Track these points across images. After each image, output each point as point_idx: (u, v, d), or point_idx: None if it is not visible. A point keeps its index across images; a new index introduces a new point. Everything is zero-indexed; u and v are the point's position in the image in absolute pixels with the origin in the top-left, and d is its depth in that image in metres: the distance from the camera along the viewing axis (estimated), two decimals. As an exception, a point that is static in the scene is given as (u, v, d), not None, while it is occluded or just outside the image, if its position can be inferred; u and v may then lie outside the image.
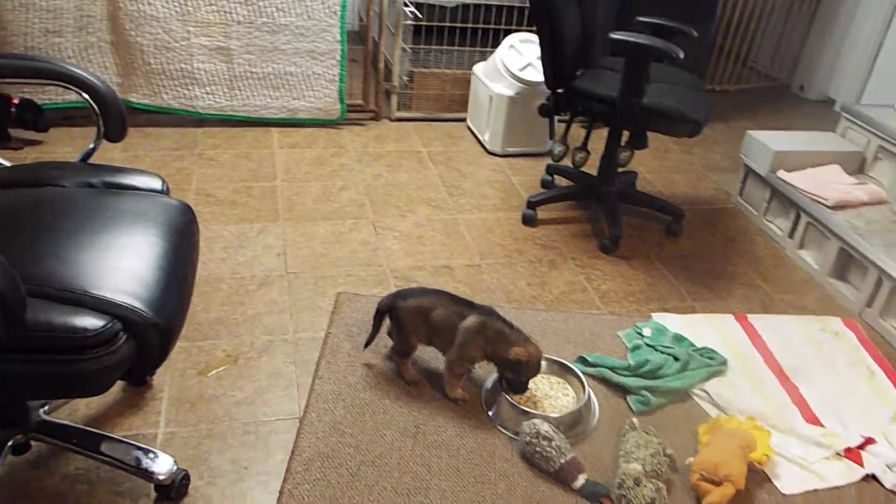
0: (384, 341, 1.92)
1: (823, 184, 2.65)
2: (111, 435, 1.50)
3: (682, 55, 2.15)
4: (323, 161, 2.98)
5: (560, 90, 2.47)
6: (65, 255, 1.23)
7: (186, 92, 3.05)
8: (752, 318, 2.24)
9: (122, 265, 1.24)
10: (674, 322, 2.17)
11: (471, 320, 1.72)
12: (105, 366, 1.13)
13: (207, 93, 3.08)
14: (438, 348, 1.80)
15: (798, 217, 2.63)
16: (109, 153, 2.85)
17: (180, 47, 2.96)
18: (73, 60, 2.90)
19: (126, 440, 1.50)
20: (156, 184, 1.54)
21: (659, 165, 3.26)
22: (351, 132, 3.27)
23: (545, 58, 2.38)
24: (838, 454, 1.75)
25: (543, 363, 1.85)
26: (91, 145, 1.57)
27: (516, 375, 1.71)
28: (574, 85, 2.43)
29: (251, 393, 1.79)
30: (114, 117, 1.54)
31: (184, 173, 2.77)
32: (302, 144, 3.10)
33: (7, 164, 1.57)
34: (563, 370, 1.89)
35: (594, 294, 2.30)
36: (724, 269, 2.51)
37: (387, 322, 1.85)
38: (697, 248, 2.63)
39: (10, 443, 1.44)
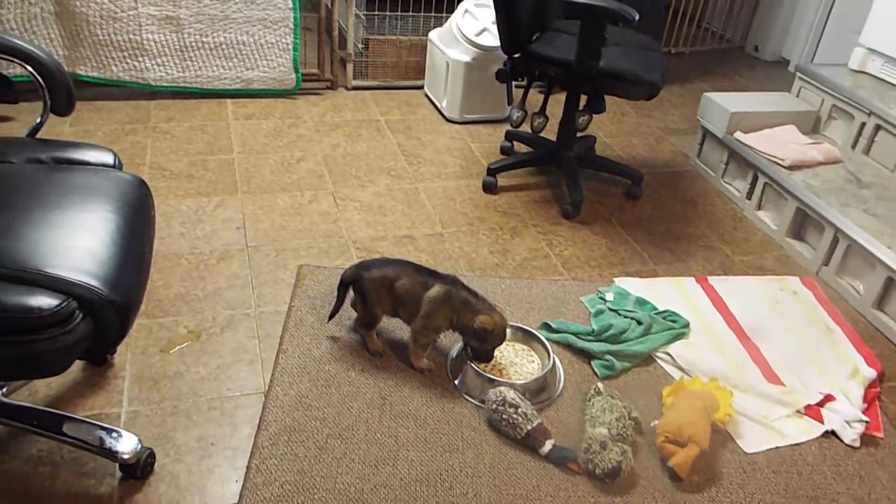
0: (349, 313, 1.92)
1: (779, 144, 2.69)
2: (73, 415, 1.48)
3: (636, 17, 2.15)
4: (280, 132, 2.93)
5: (516, 55, 2.45)
6: (17, 233, 1.19)
7: (136, 64, 2.96)
8: (712, 279, 2.29)
9: (77, 243, 1.21)
10: (636, 286, 2.20)
11: (435, 290, 1.72)
12: (62, 345, 1.10)
13: (158, 64, 2.99)
14: (403, 319, 1.80)
15: (755, 178, 2.68)
16: (58, 128, 2.76)
17: (128, 17, 2.87)
18: (16, 32, 2.79)
19: (89, 420, 1.48)
20: (107, 158, 1.50)
21: (617, 129, 3.28)
22: (307, 102, 3.22)
23: (500, 22, 2.35)
24: (798, 412, 1.80)
25: (508, 331, 1.86)
26: (38, 120, 1.51)
27: (482, 344, 1.72)
28: (530, 49, 2.41)
29: (215, 369, 1.77)
30: (60, 90, 1.48)
31: (138, 147, 2.70)
32: (258, 115, 3.04)
33: (-52, 141, 1.50)
34: (527, 337, 1.90)
35: (556, 260, 2.32)
36: (684, 232, 2.55)
37: (351, 294, 1.84)
38: (658, 212, 2.66)
39: (-34, 428, 1.41)
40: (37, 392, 1.65)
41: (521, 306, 2.07)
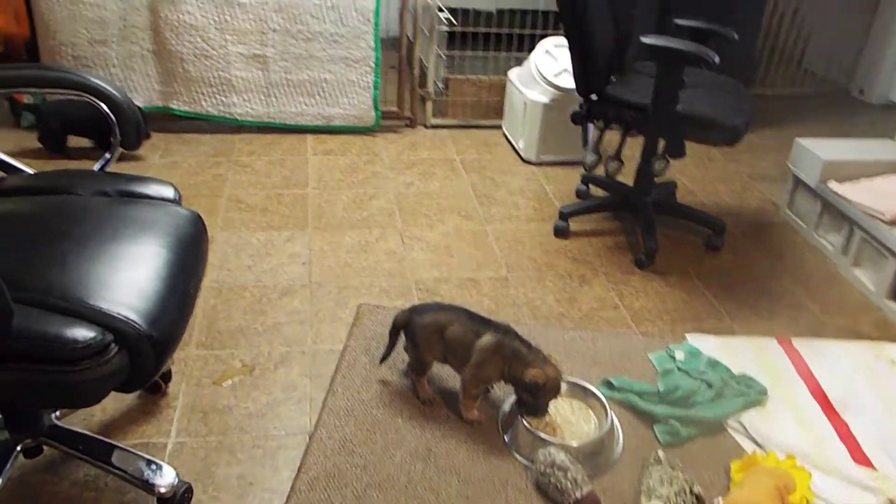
0: (402, 356, 1.88)
1: (880, 196, 2.50)
2: (118, 444, 1.49)
3: (716, 60, 2.05)
4: (356, 169, 2.96)
5: (592, 97, 2.39)
6: (69, 263, 1.22)
7: (224, 99, 3.08)
8: (797, 342, 2.12)
9: (124, 276, 1.22)
10: (710, 344, 2.07)
11: (487, 339, 1.66)
12: (96, 377, 1.11)
13: (245, 100, 3.09)
14: (454, 367, 1.75)
15: (851, 232, 2.49)
16: (150, 159, 2.89)
17: (218, 55, 2.99)
18: (117, 69, 2.96)
19: (132, 450, 1.49)
20: (168, 192, 1.53)
21: (701, 175, 3.14)
22: (385, 139, 3.25)
23: (575, 63, 2.30)
24: (890, 500, 1.62)
25: (565, 386, 1.78)
26: (107, 154, 1.56)
27: (534, 398, 1.64)
28: (606, 91, 2.35)
29: (264, 405, 1.76)
30: (130, 126, 1.53)
31: (219, 179, 2.78)
32: (336, 152, 3.09)
33: (30, 171, 1.58)
34: (586, 394, 1.81)
35: (626, 312, 2.22)
36: (768, 288, 2.39)
37: (403, 338, 1.80)
38: (740, 264, 2.51)
39: (19, 447, 1.45)
40: (93, 416, 1.69)
41: (583, 360, 1.98)
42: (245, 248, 2.37)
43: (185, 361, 1.88)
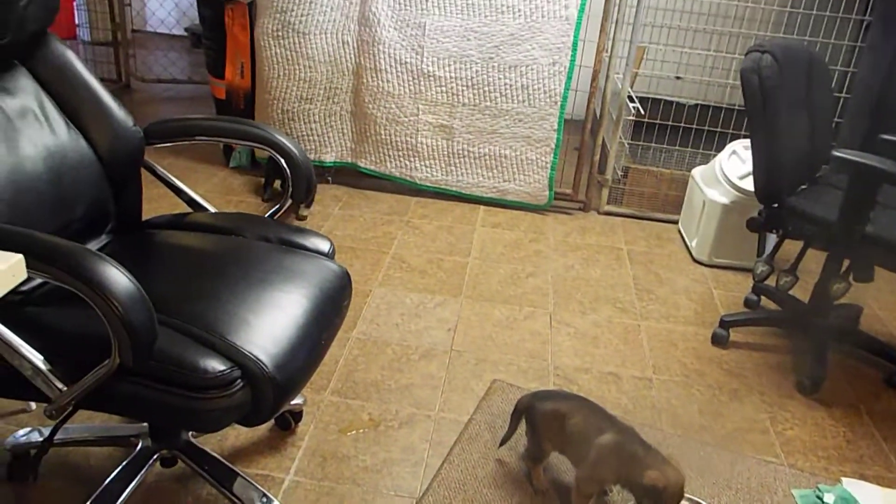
0: (523, 440, 1.85)
1: None
2: (239, 471, 1.59)
3: (917, 185, 1.87)
4: (519, 245, 3.00)
5: (772, 205, 2.26)
6: (219, 299, 1.35)
7: (408, 163, 3.27)
8: (979, 509, 1.83)
9: (264, 319, 1.33)
10: (868, 494, 1.83)
11: (607, 437, 1.59)
12: (219, 407, 1.21)
13: (426, 165, 3.26)
14: (571, 460, 1.69)
15: None
16: (329, 208, 3.12)
17: (409, 122, 3.19)
18: (317, 125, 3.25)
19: (250, 480, 1.58)
20: (324, 246, 1.65)
21: (895, 302, 2.84)
22: (555, 220, 3.26)
23: (756, 167, 2.20)
24: None
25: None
26: (278, 205, 1.72)
27: (655, 503, 1.55)
28: (787, 201, 2.21)
29: (381, 461, 1.81)
30: (301, 181, 1.68)
31: (388, 237, 2.94)
32: (504, 225, 3.15)
33: (212, 209, 1.77)
34: (711, 517, 1.67)
35: (776, 439, 2.03)
36: (954, 442, 2.09)
37: (524, 422, 1.78)
38: (924, 410, 2.22)
39: (156, 455, 1.59)
40: (226, 440, 1.82)
41: (717, 482, 1.83)
42: (397, 307, 2.47)
43: (319, 405, 1.98)
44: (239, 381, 1.22)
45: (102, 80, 1.64)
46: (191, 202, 1.76)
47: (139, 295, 1.09)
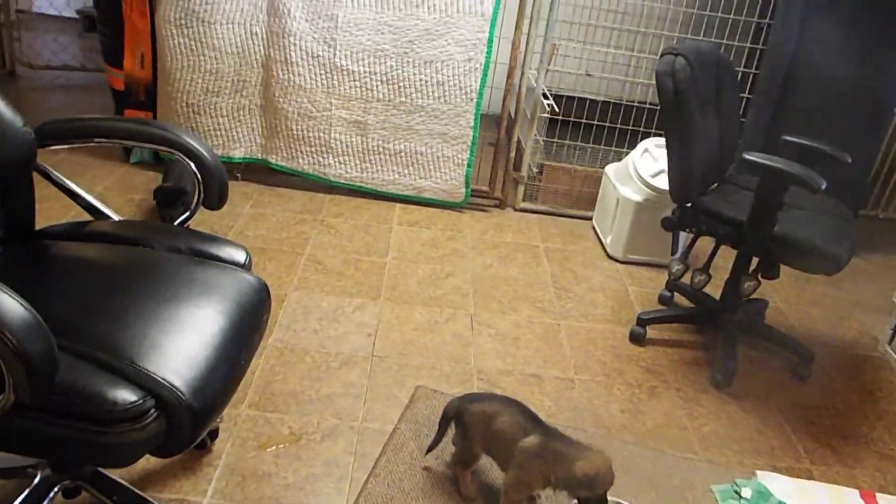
0: (449, 447, 1.81)
1: None
2: (150, 500, 1.49)
3: (822, 186, 1.95)
4: (437, 243, 2.96)
5: (686, 204, 2.31)
6: (126, 320, 1.24)
7: (321, 159, 3.16)
8: (882, 498, 1.92)
9: (177, 340, 1.23)
10: (782, 486, 1.91)
11: (530, 441, 1.58)
12: (130, 441, 1.11)
13: (340, 162, 3.17)
14: (497, 462, 1.67)
15: (956, 382, 2.28)
16: (239, 208, 2.99)
17: (321, 117, 3.09)
18: (225, 119, 3.10)
19: (163, 508, 1.48)
20: (239, 257, 1.55)
21: (797, 296, 2.97)
22: (472, 217, 3.24)
23: (671, 168, 2.24)
24: None
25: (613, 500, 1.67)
26: (188, 212, 1.61)
27: (593, 491, 1.54)
28: (700, 201, 2.26)
29: (303, 478, 1.73)
30: (214, 186, 1.57)
31: (302, 237, 2.84)
32: (421, 224, 3.10)
33: (116, 217, 1.64)
34: (637, 519, 1.69)
35: (694, 434, 2.08)
36: (856, 430, 2.20)
37: (452, 428, 1.74)
38: (827, 400, 2.32)
39: (56, 487, 1.46)
40: (135, 465, 1.70)
41: (639, 481, 1.86)
42: (315, 311, 2.38)
43: (235, 420, 1.88)
44: (153, 410, 1.12)
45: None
46: (90, 208, 1.63)
47: (34, 322, 0.98)
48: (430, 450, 1.80)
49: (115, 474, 1.62)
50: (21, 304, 0.97)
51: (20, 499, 1.41)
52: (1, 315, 0.95)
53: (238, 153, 3.17)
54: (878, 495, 1.93)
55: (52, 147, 1.58)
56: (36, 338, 0.97)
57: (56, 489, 1.45)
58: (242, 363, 1.34)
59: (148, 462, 1.71)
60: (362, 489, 1.71)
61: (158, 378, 1.14)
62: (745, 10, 3.31)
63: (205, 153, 1.56)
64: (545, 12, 3.07)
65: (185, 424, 1.15)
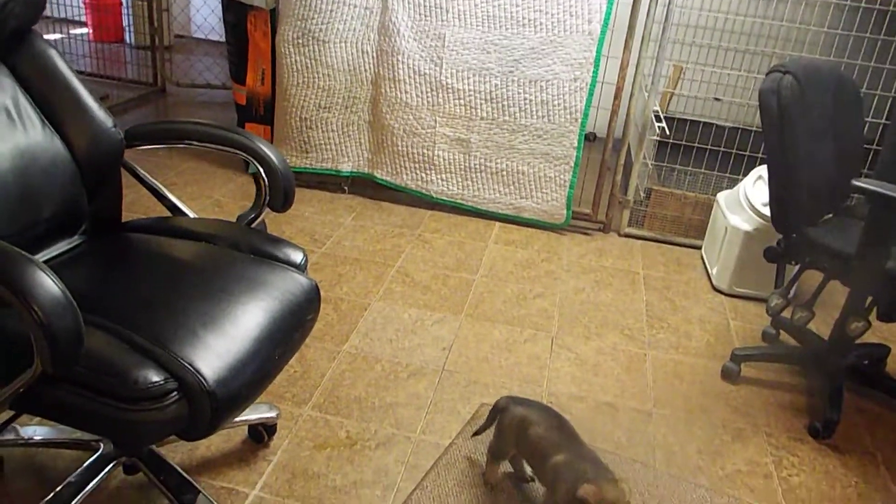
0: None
1: None
2: (196, 484, 1.55)
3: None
4: (531, 264, 2.91)
5: (790, 234, 2.13)
6: (172, 307, 1.31)
7: (424, 175, 3.21)
8: None
9: (213, 331, 1.28)
10: (873, 550, 1.69)
11: (559, 458, 1.51)
12: (151, 420, 1.16)
13: (442, 179, 3.21)
14: (531, 467, 1.65)
15: None
16: (342, 218, 3.09)
17: (426, 134, 3.14)
18: (335, 134, 3.23)
19: (206, 495, 1.53)
20: (296, 257, 1.60)
21: (930, 346, 2.65)
22: (572, 240, 3.16)
23: (772, 194, 2.08)
24: None
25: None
26: (253, 213, 1.68)
27: None
28: (804, 231, 2.08)
29: (351, 482, 1.74)
30: (279, 189, 1.63)
31: (396, 250, 2.88)
32: (518, 243, 3.07)
33: (192, 214, 1.74)
34: (691, 566, 1.56)
35: (779, 485, 1.89)
36: (979, 500, 1.92)
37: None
38: (949, 463, 2.05)
39: (114, 461, 1.56)
40: (196, 449, 1.78)
41: (706, 527, 1.71)
42: (394, 322, 2.40)
43: (297, 420, 1.92)
44: (174, 393, 1.17)
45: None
46: (171, 206, 1.74)
47: (64, 302, 1.05)
48: (476, 433, 1.84)
49: (173, 457, 1.71)
50: (54, 282, 1.05)
51: (80, 469, 1.52)
52: (33, 290, 1.03)
53: (346, 167, 3.29)
54: None
55: (143, 147, 1.70)
56: (62, 315, 1.04)
57: (113, 464, 1.55)
58: (277, 359, 1.37)
59: (208, 450, 1.79)
60: (406, 500, 1.69)
61: (185, 363, 1.19)
62: (885, 27, 3.03)
63: (272, 155, 1.62)
64: (657, 32, 2.96)
65: (206, 411, 1.19)
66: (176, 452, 1.75)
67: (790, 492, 1.88)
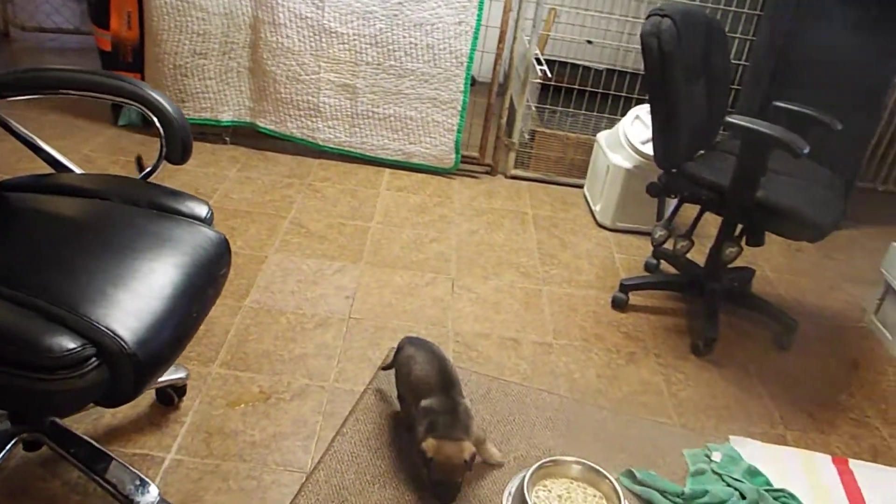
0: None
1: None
2: (109, 453, 1.49)
3: (805, 150, 1.90)
4: (424, 209, 2.93)
5: (671, 170, 2.27)
6: (74, 270, 1.23)
7: (310, 123, 3.14)
8: (854, 464, 1.91)
9: (124, 290, 1.22)
10: (754, 451, 1.89)
11: (426, 403, 1.59)
12: (69, 388, 1.10)
13: (329, 126, 3.14)
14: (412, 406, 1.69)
15: (942, 353, 2.25)
16: (226, 170, 2.97)
17: (310, 80, 3.05)
18: (213, 82, 3.07)
19: (122, 462, 1.48)
20: (201, 211, 1.54)
21: (787, 265, 2.93)
22: (462, 184, 3.21)
23: (655, 133, 2.20)
24: None
25: (579, 468, 1.66)
26: (150, 166, 1.59)
27: (429, 474, 1.53)
28: (684, 166, 2.22)
29: (269, 436, 1.73)
30: (176, 140, 1.55)
31: (287, 201, 2.82)
32: (409, 189, 3.08)
33: (79, 171, 1.63)
34: (602, 481, 1.67)
35: (669, 400, 2.06)
36: (833, 399, 2.17)
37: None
38: (807, 369, 2.30)
39: (14, 439, 1.47)
40: (102, 417, 1.71)
41: (612, 445, 1.84)
42: (294, 274, 2.37)
43: (206, 379, 1.88)
44: (93, 359, 1.11)
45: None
46: (53, 162, 1.61)
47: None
48: (383, 368, 1.90)
49: (77, 428, 1.63)
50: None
51: (-22, 449, 1.42)
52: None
53: (226, 116, 3.15)
54: (851, 461, 1.91)
55: (13, 98, 1.56)
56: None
57: (14, 440, 1.46)
58: (195, 316, 1.33)
59: (115, 416, 1.72)
60: (329, 447, 1.71)
61: (100, 326, 1.13)
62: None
63: (166, 105, 1.53)
64: (537, -26, 3.00)
65: (129, 374, 1.15)
66: (80, 424, 1.67)
67: (679, 405, 2.05)
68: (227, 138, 3.21)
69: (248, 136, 3.22)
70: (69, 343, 1.09)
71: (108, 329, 1.14)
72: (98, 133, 3.12)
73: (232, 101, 3.13)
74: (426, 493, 1.59)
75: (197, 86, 3.06)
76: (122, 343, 1.13)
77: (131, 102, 1.53)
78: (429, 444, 1.51)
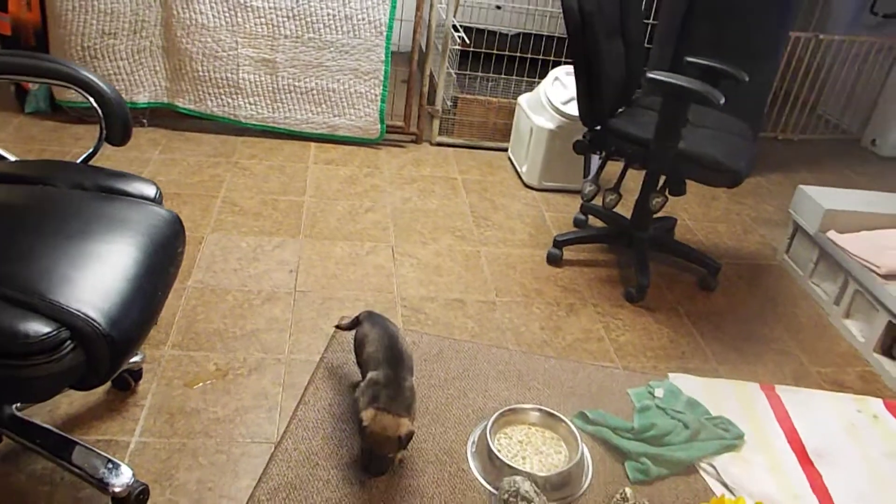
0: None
1: (878, 249, 2.46)
2: (76, 440, 1.47)
3: (721, 101, 2.03)
4: (355, 180, 2.95)
5: (596, 127, 2.38)
6: (33, 256, 1.21)
7: (230, 101, 3.08)
8: (780, 389, 2.08)
9: (88, 273, 1.21)
10: (691, 385, 2.04)
11: (372, 374, 1.63)
12: (47, 373, 1.09)
13: (251, 103, 3.10)
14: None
15: (846, 283, 2.46)
16: (148, 153, 2.89)
17: (227, 56, 2.99)
18: (125, 63, 2.97)
19: (90, 447, 1.47)
20: (149, 191, 1.52)
21: (703, 213, 3.12)
22: (389, 153, 3.24)
23: (580, 93, 2.29)
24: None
25: (536, 414, 1.76)
26: (92, 148, 1.56)
27: (363, 443, 1.59)
28: (609, 123, 2.33)
29: (232, 411, 1.74)
30: (116, 121, 1.52)
31: (216, 180, 2.78)
32: (337, 161, 3.08)
33: (12, 158, 1.57)
34: (559, 425, 1.78)
35: (610, 345, 2.19)
36: (757, 332, 2.36)
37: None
38: (731, 307, 2.47)
39: (-26, 437, 1.43)
40: (58, 408, 1.67)
41: (562, 390, 1.95)
42: (234, 252, 2.36)
43: (159, 361, 1.86)
44: (68, 342, 1.10)
45: None
46: (-16, 151, 1.55)
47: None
48: (339, 327, 1.96)
49: (38, 418, 1.59)
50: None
51: (-64, 449, 1.38)
52: None
53: (142, 98, 3.05)
54: (777, 387, 2.09)
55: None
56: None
57: (-27, 437, 1.42)
58: (159, 294, 1.33)
59: (71, 405, 1.69)
60: (293, 416, 1.74)
61: (72, 310, 1.12)
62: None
63: (103, 86, 1.50)
64: (451, -59, 3.03)
65: (104, 355, 1.14)
66: (36, 416, 1.63)
67: (620, 349, 2.18)
68: (145, 120, 3.11)
69: (167, 116, 3.13)
70: (43, 328, 1.08)
71: (80, 312, 1.13)
72: (5, 122, 2.97)
73: (147, 82, 3.04)
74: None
75: (108, 67, 2.95)
76: (96, 324, 1.13)
77: (68, 84, 1.49)
78: (367, 414, 1.53)
